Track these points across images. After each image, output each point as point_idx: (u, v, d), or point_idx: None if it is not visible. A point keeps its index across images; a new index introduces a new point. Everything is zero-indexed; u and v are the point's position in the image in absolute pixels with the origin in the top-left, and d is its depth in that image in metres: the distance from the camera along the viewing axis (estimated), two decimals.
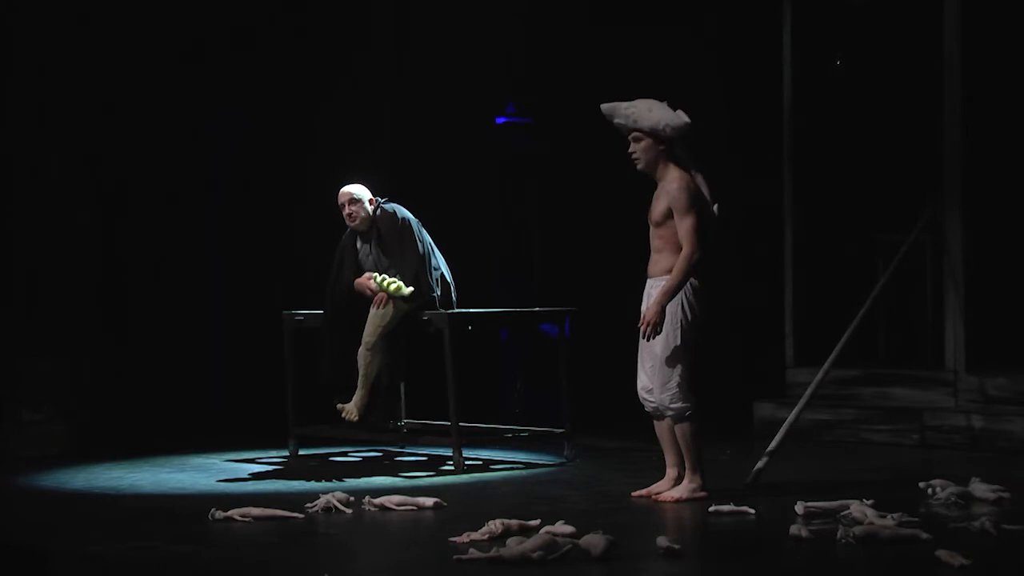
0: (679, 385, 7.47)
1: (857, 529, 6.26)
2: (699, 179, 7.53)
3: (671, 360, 7.45)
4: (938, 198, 9.98)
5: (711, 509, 7.03)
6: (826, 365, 8.80)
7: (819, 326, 10.38)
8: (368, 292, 8.92)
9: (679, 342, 7.43)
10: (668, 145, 7.49)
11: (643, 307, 7.51)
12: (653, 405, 7.58)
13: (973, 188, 10.02)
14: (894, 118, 10.69)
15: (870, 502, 6.82)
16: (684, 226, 7.36)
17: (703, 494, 7.48)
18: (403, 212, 9.08)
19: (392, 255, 9.01)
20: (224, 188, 11.14)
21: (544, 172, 12.26)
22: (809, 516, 6.80)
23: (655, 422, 7.64)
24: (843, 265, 10.84)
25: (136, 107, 10.77)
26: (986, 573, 5.73)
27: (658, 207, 7.47)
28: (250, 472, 8.86)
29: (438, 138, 11.63)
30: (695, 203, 7.39)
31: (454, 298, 9.11)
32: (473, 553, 5.97)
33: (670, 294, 7.35)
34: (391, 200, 9.19)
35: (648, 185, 7.62)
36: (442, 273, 9.09)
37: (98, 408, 10.33)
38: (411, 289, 8.85)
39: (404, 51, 11.67)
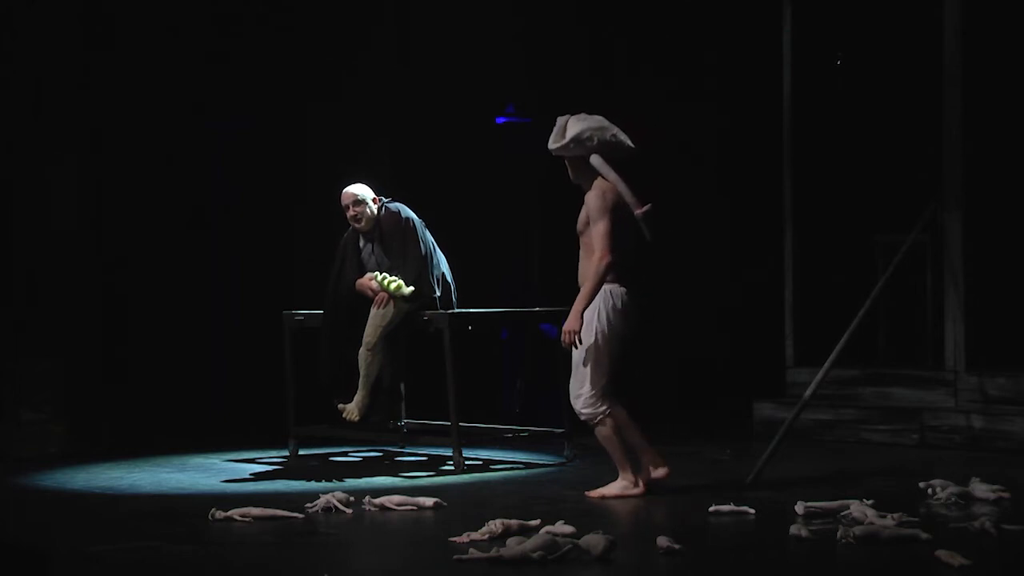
0: (591, 392, 7.54)
1: (857, 529, 6.26)
2: (621, 187, 7.56)
3: (586, 367, 7.53)
4: (938, 198, 9.98)
5: (711, 509, 7.03)
6: (826, 365, 8.80)
7: (819, 326, 10.39)
8: (369, 293, 8.92)
9: (596, 349, 7.49)
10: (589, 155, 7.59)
11: None
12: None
13: (973, 188, 10.02)
14: (894, 118, 10.69)
15: (870, 502, 6.82)
16: (596, 231, 7.49)
17: (636, 491, 7.58)
18: (407, 212, 9.08)
19: (394, 255, 9.01)
20: (224, 188, 11.14)
21: (544, 172, 12.25)
22: (809, 516, 6.80)
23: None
24: (843, 265, 10.85)
25: (136, 106, 10.77)
26: (986, 573, 5.74)
27: (581, 216, 7.61)
28: (250, 472, 8.87)
29: (438, 138, 11.64)
30: (609, 209, 7.47)
31: (455, 298, 9.11)
32: (473, 553, 5.97)
33: (585, 300, 7.45)
34: (395, 199, 9.19)
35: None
36: (443, 273, 9.09)
37: (98, 408, 10.33)
38: (412, 289, 8.85)
39: (405, 51, 11.67)
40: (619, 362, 7.59)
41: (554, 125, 7.67)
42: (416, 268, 8.91)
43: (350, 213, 9.08)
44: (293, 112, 11.28)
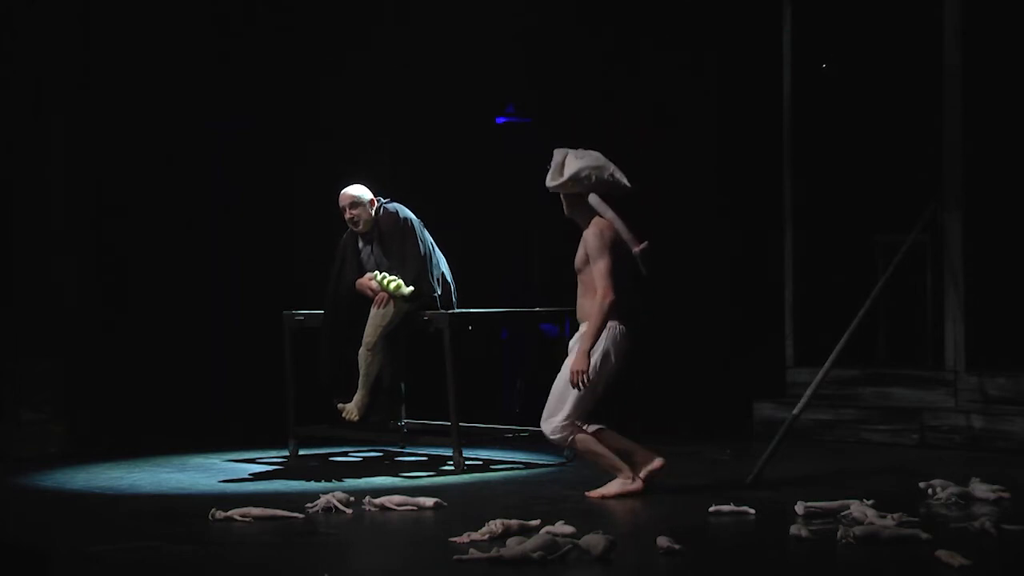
0: (564, 422, 7.59)
1: (857, 529, 6.27)
2: (618, 224, 7.58)
3: (569, 396, 7.58)
4: (938, 198, 9.99)
5: (711, 509, 7.04)
6: (826, 365, 8.80)
7: (819, 326, 10.39)
8: (369, 293, 8.92)
9: (585, 384, 7.53)
10: (587, 193, 7.63)
11: (569, 358, 7.65)
12: None
13: (973, 188, 10.03)
14: (894, 118, 10.69)
15: (870, 502, 6.82)
16: (597, 269, 7.52)
17: (635, 486, 7.59)
18: (405, 212, 9.08)
19: (393, 255, 9.01)
20: (224, 188, 11.14)
21: (543, 172, 12.25)
22: (809, 516, 6.80)
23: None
24: (843, 265, 10.85)
25: (136, 106, 10.77)
26: (986, 573, 5.74)
27: (579, 254, 7.65)
28: (250, 472, 8.87)
29: (438, 138, 11.64)
30: (608, 248, 7.51)
31: (454, 298, 9.12)
32: (473, 553, 5.98)
33: (591, 340, 7.50)
34: (393, 200, 9.19)
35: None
36: (443, 273, 9.09)
37: (98, 408, 10.33)
38: (412, 288, 8.85)
39: (404, 51, 11.67)
40: (605, 394, 7.65)
41: (553, 155, 7.71)
42: (416, 268, 8.91)
43: (347, 215, 9.08)
44: (293, 112, 11.28)
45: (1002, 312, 10.19)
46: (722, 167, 11.67)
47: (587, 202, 7.61)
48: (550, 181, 7.65)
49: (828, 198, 10.89)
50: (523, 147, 11.94)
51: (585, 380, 7.46)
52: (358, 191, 9.09)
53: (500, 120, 12.04)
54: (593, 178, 7.58)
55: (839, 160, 10.89)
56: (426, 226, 9.12)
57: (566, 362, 7.64)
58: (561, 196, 7.71)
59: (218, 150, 11.17)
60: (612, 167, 7.63)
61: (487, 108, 11.98)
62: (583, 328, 7.60)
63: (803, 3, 10.84)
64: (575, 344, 7.65)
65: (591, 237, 7.55)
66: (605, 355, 7.52)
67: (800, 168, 10.87)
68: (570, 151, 7.66)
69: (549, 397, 7.68)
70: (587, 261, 7.57)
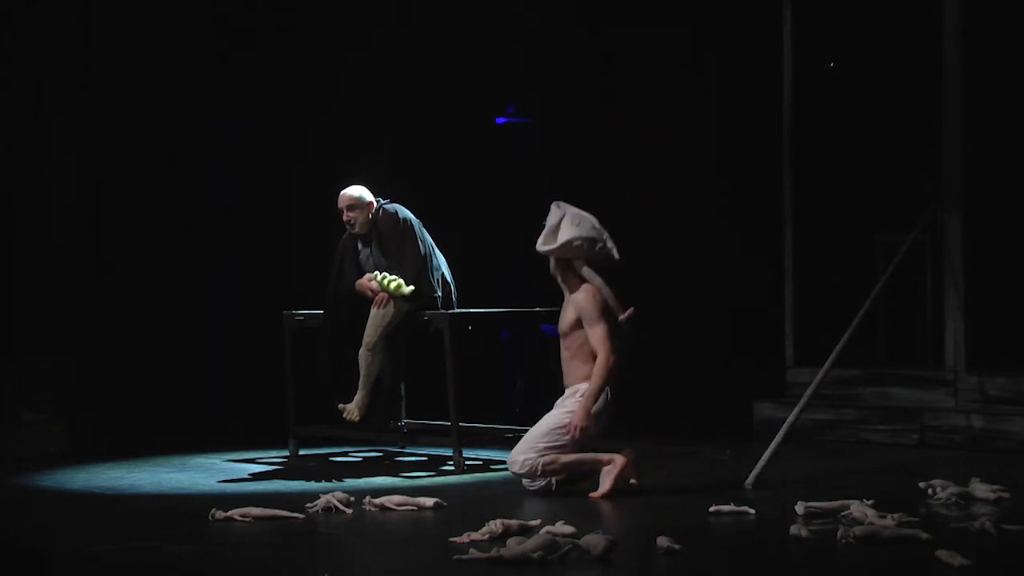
0: (534, 465, 7.63)
1: (857, 529, 6.27)
2: (605, 291, 7.68)
3: (548, 443, 7.63)
4: (938, 198, 9.99)
5: (711, 509, 7.04)
6: (826, 365, 8.80)
7: (819, 326, 10.39)
8: (369, 293, 8.92)
9: (566, 440, 7.61)
10: (576, 259, 7.73)
11: (553, 412, 7.72)
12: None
13: (973, 188, 10.03)
14: (894, 118, 10.69)
15: (870, 502, 6.82)
16: (596, 333, 7.59)
17: (621, 462, 7.62)
18: (404, 212, 9.08)
19: (392, 256, 9.00)
20: (224, 188, 11.14)
21: (544, 172, 12.26)
22: (809, 516, 6.81)
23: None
24: (843, 265, 10.85)
25: (136, 106, 10.77)
26: (986, 573, 5.74)
27: (566, 318, 7.73)
28: (250, 472, 8.87)
29: (438, 138, 11.64)
30: (604, 311, 7.61)
31: (454, 298, 9.12)
32: (473, 553, 5.98)
33: (593, 398, 7.59)
34: (392, 200, 9.19)
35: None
36: (443, 273, 9.09)
37: (98, 408, 10.32)
38: (412, 288, 8.85)
39: (404, 51, 11.67)
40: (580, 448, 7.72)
41: (550, 210, 7.79)
42: (415, 268, 8.91)
43: (344, 217, 9.08)
44: (293, 112, 11.28)
45: (1002, 312, 10.19)
46: (722, 167, 11.67)
47: (575, 268, 7.67)
48: (541, 245, 7.74)
49: (828, 198, 10.89)
50: (523, 147, 11.94)
51: (585, 434, 7.57)
52: (357, 192, 9.08)
53: (500, 120, 12.04)
54: (585, 247, 7.68)
55: (839, 160, 10.89)
56: (426, 226, 9.12)
57: (553, 413, 7.70)
58: (550, 256, 7.77)
59: (218, 150, 11.17)
60: (604, 237, 7.72)
61: (487, 108, 11.97)
62: (571, 390, 7.68)
63: (803, 3, 10.84)
64: (564, 402, 7.70)
65: (584, 302, 7.65)
66: (597, 416, 7.63)
67: (800, 168, 10.86)
68: (567, 212, 7.73)
69: (526, 437, 7.74)
70: (575, 326, 7.67)
